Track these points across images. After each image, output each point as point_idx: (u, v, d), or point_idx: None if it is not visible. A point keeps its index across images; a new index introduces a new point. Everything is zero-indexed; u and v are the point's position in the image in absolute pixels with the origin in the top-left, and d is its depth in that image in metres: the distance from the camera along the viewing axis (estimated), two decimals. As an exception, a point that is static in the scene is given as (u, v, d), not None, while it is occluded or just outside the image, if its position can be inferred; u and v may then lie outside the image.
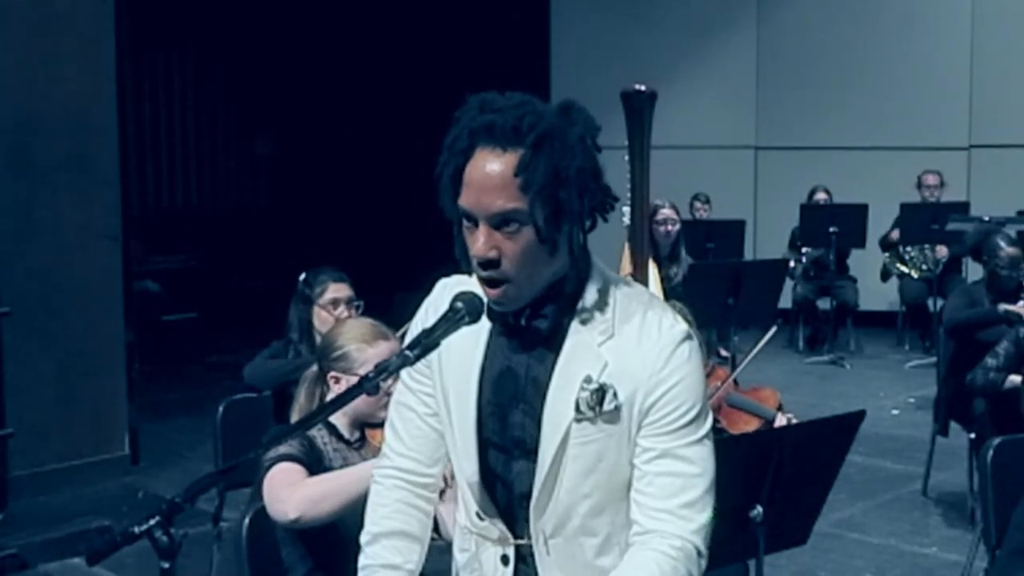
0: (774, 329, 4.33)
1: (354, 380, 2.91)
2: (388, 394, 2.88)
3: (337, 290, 4.42)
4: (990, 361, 5.01)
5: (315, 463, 2.86)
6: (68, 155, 6.02)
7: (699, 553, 1.94)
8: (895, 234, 9.04)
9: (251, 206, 12.73)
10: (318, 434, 2.94)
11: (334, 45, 12.19)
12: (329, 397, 3.03)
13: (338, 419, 2.97)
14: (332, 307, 4.37)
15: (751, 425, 4.01)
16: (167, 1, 11.09)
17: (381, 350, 2.98)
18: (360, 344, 3.01)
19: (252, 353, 4.56)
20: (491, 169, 1.83)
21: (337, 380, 3.01)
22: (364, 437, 3.00)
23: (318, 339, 4.36)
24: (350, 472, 2.78)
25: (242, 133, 12.74)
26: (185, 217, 12.28)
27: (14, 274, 5.73)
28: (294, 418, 3.18)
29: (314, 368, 3.17)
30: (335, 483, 2.75)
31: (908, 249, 9.17)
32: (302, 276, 4.51)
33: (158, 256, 10.59)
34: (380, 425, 2.96)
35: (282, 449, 2.83)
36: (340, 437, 2.97)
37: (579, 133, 1.86)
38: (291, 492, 2.75)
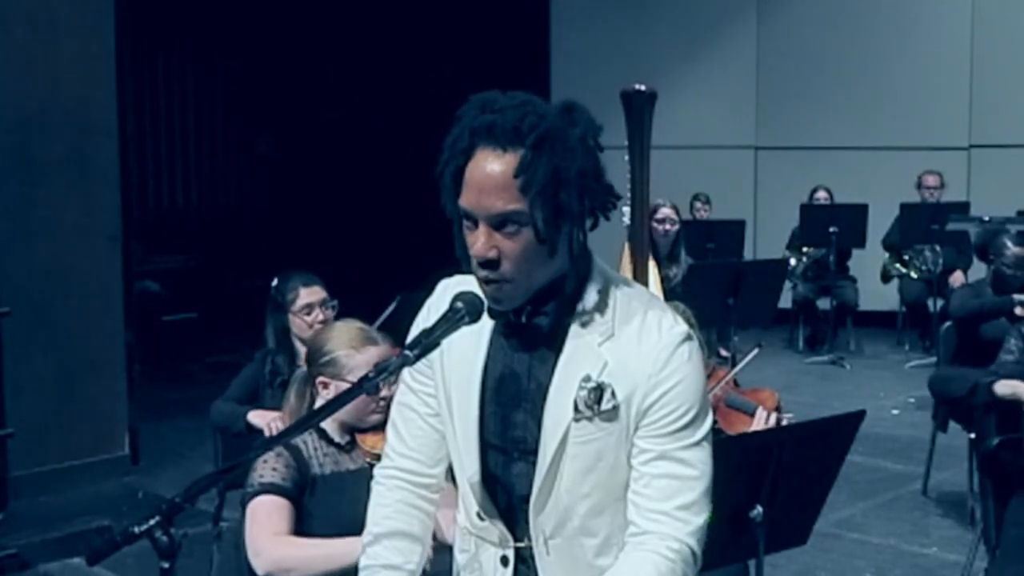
0: (755, 351, 4.38)
1: (343, 386, 2.92)
2: (382, 399, 2.90)
3: (309, 294, 4.38)
4: (1007, 357, 4.99)
5: (301, 481, 2.86)
6: (68, 155, 6.02)
7: (694, 555, 1.94)
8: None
9: (251, 206, 12.72)
10: (308, 439, 2.93)
11: (334, 45, 12.19)
12: (318, 402, 3.03)
13: (327, 423, 2.95)
14: (306, 313, 4.35)
15: (748, 426, 4.01)
16: (167, 1, 11.09)
17: (370, 355, 2.99)
18: (348, 350, 3.01)
19: (252, 353, 4.56)
20: (491, 170, 1.83)
21: (326, 385, 3.01)
22: (354, 440, 2.99)
23: (296, 344, 4.36)
24: (326, 547, 2.76)
25: (242, 133, 12.74)
26: (185, 217, 12.27)
27: (14, 274, 5.73)
28: (285, 419, 3.18)
29: (303, 369, 3.16)
30: (309, 553, 2.76)
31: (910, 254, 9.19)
32: (274, 282, 4.48)
33: (158, 256, 10.58)
34: (369, 429, 2.97)
35: (266, 476, 2.83)
36: (330, 441, 2.96)
37: (580, 134, 1.86)
38: (266, 545, 2.77)
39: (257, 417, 4.13)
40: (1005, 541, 3.61)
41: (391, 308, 4.89)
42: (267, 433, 3.96)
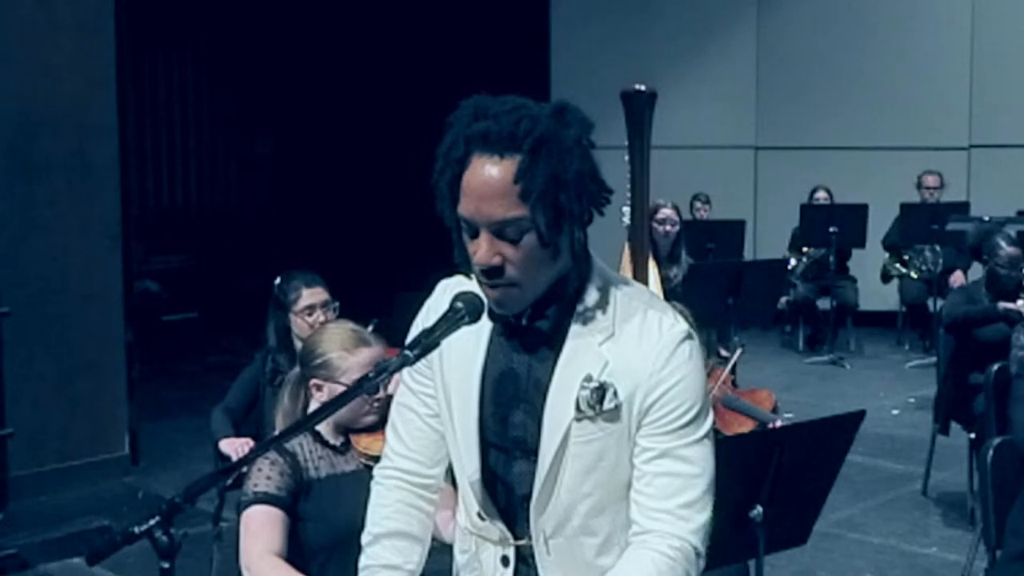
0: (739, 351, 4.39)
1: (337, 388, 2.92)
2: (377, 400, 2.89)
3: (311, 295, 4.39)
4: (1020, 353, 4.97)
5: (296, 488, 2.85)
6: (68, 155, 6.02)
7: (697, 553, 1.94)
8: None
9: (250, 206, 12.73)
10: (304, 442, 2.92)
11: (333, 45, 12.19)
12: (312, 404, 3.03)
13: (322, 424, 2.94)
14: (308, 314, 4.36)
15: (746, 427, 4.00)
16: (167, 1, 11.09)
17: (363, 357, 2.98)
18: (342, 352, 3.00)
19: (252, 353, 4.57)
20: (489, 177, 1.82)
21: (319, 388, 3.00)
22: (348, 441, 2.99)
23: (297, 344, 4.37)
24: None
25: (241, 133, 12.74)
26: (185, 217, 12.27)
27: (14, 274, 5.73)
28: (279, 420, 3.16)
29: (297, 370, 3.16)
30: None
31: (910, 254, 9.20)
32: (276, 281, 4.50)
33: (158, 256, 10.59)
34: (364, 430, 2.96)
35: (260, 485, 2.81)
36: (325, 443, 2.95)
37: (575, 135, 1.85)
38: (257, 564, 2.74)
39: (227, 445, 4.16)
40: (1008, 550, 3.61)
41: (370, 328, 4.88)
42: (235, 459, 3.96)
